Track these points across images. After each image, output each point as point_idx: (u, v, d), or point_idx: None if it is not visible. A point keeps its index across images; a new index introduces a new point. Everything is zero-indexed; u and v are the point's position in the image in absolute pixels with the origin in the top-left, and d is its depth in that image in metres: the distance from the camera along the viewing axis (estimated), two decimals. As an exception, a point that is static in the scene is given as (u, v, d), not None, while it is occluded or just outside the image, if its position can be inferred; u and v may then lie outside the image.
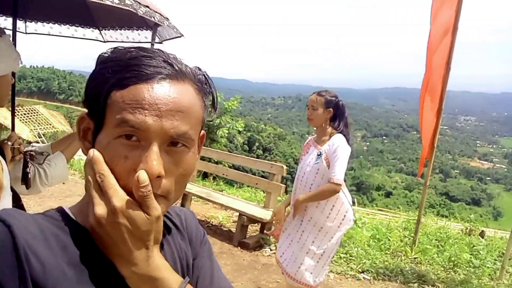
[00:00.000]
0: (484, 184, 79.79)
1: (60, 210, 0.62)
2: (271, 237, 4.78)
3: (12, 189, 1.56)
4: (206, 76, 0.65)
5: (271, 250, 4.49)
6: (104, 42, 2.84)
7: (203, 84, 0.64)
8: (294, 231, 2.83)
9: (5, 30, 1.51)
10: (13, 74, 1.61)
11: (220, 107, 16.39)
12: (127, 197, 0.55)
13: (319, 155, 2.73)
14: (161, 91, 0.57)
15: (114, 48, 0.62)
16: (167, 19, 1.97)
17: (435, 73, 4.51)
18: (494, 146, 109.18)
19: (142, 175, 0.54)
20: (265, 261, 4.23)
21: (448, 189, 69.63)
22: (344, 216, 2.73)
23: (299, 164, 2.94)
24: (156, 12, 1.76)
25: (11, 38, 1.52)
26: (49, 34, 2.72)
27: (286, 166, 4.99)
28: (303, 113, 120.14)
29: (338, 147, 2.65)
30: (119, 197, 0.55)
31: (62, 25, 2.70)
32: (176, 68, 0.60)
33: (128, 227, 0.55)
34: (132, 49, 0.60)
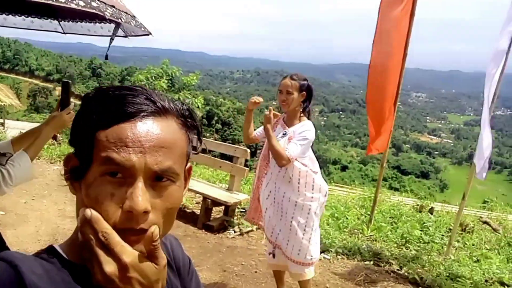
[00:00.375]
0: (432, 158, 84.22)
1: (51, 250, 0.62)
2: (235, 219, 4.86)
3: None
4: (190, 110, 0.67)
5: (235, 232, 4.57)
6: (64, 33, 2.68)
7: (186, 118, 0.66)
8: (278, 213, 2.90)
9: None
10: None
11: (178, 83, 16.06)
12: (135, 252, 0.56)
13: (284, 134, 2.83)
14: (144, 128, 0.59)
15: (97, 88, 0.64)
16: (134, 17, 1.91)
17: (395, 51, 4.61)
18: (443, 122, 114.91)
19: (155, 230, 0.56)
20: (229, 243, 4.31)
21: (400, 163, 72.86)
22: (313, 186, 2.82)
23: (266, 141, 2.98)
24: (122, 11, 1.69)
25: None
26: (3, 26, 2.53)
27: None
28: (262, 87, 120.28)
29: (306, 131, 2.77)
30: (129, 253, 0.55)
31: (17, 16, 2.52)
32: (159, 105, 0.62)
33: (140, 279, 0.56)
34: (115, 88, 0.62)
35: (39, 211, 4.61)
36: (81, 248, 0.61)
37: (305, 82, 2.81)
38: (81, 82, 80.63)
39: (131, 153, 0.57)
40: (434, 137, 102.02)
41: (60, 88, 1.86)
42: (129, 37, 2.31)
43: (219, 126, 59.52)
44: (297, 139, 2.75)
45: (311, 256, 2.88)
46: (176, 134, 0.62)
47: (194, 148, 0.68)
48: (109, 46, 2.13)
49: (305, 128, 2.79)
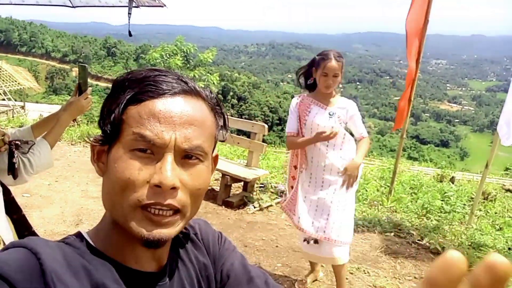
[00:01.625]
0: (452, 126, 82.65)
1: (79, 235, 0.63)
2: (254, 194, 4.90)
3: (0, 183, 1.53)
4: (217, 99, 0.67)
5: (254, 207, 4.61)
6: (74, 7, 2.66)
7: (214, 105, 0.66)
8: (322, 194, 2.76)
9: None
10: None
11: (194, 59, 15.95)
12: None
13: (332, 115, 2.70)
14: (175, 105, 0.59)
15: (128, 71, 0.64)
16: None
17: (415, 19, 4.46)
18: (463, 88, 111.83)
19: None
20: (249, 219, 4.37)
21: (419, 132, 71.82)
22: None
23: (305, 125, 2.78)
24: None
25: None
26: (11, 4, 2.53)
27: (262, 114, 5.01)
28: (277, 61, 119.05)
29: (356, 109, 2.78)
30: None
31: None
32: (190, 85, 0.62)
33: None
34: (146, 70, 0.62)
35: (63, 193, 4.73)
36: (106, 237, 0.63)
37: (343, 59, 2.69)
38: (96, 62, 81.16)
39: (163, 130, 0.57)
40: (455, 105, 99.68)
41: (77, 69, 1.86)
42: (141, 7, 2.27)
43: (234, 101, 59.41)
44: (359, 119, 2.78)
45: (352, 236, 2.81)
46: (206, 114, 0.63)
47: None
48: (129, 21, 2.11)
49: (354, 106, 2.78)
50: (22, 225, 1.58)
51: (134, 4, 2.38)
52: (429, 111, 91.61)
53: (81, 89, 1.77)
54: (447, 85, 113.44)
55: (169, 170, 0.56)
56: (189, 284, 0.70)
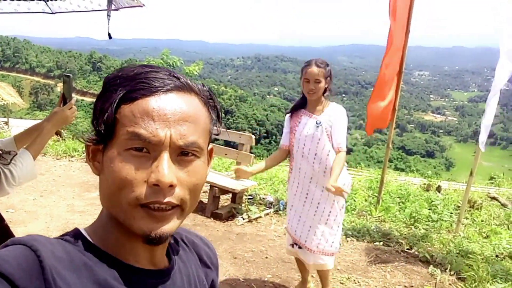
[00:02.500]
0: (437, 137, 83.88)
1: (77, 233, 0.62)
2: (243, 206, 4.88)
3: None
4: (210, 92, 0.67)
5: (243, 219, 4.59)
6: (53, 13, 2.63)
7: (207, 99, 0.65)
8: (306, 205, 2.82)
9: None
10: None
11: (180, 73, 15.95)
12: None
13: (319, 123, 2.73)
14: (169, 102, 0.58)
15: (119, 69, 0.63)
16: None
17: (396, 31, 4.55)
18: (446, 99, 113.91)
19: None
20: (238, 230, 4.33)
21: (405, 143, 72.70)
22: (347, 182, 2.82)
23: (294, 135, 2.84)
24: None
25: None
26: None
27: (249, 127, 5.02)
28: (263, 74, 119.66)
29: (341, 117, 2.75)
30: None
31: (2, 0, 2.48)
32: (182, 80, 0.62)
33: None
34: (137, 67, 0.62)
35: (48, 207, 4.64)
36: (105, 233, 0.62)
37: (329, 67, 2.72)
38: (82, 77, 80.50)
39: (157, 128, 0.57)
40: (439, 115, 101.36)
41: (61, 84, 1.84)
42: (120, 9, 2.26)
43: (221, 114, 59.37)
44: (340, 129, 2.71)
45: (337, 246, 2.87)
46: (200, 109, 0.62)
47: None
48: (108, 23, 2.10)
49: (340, 113, 2.75)
50: (4, 235, 1.54)
51: (113, 7, 2.37)
52: (414, 122, 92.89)
53: (65, 99, 1.75)
54: (431, 96, 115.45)
55: (166, 169, 0.56)
56: (188, 284, 0.70)
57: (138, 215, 0.57)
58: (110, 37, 2.36)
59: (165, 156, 0.57)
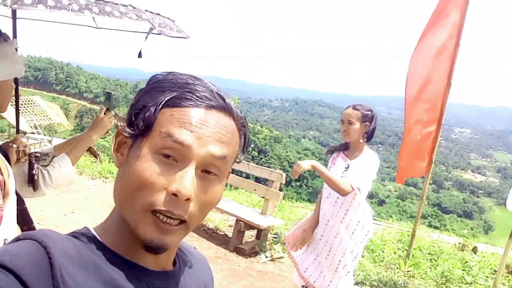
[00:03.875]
0: (476, 197, 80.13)
1: (87, 231, 0.62)
2: (267, 243, 4.79)
3: (16, 193, 1.55)
4: (245, 120, 0.68)
5: (266, 257, 4.50)
6: (97, 28, 2.80)
7: (241, 125, 0.66)
8: (320, 246, 2.82)
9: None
10: (16, 79, 1.62)
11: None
12: None
13: (347, 168, 2.72)
14: (209, 118, 0.59)
15: (170, 72, 0.65)
16: (173, 21, 1.98)
17: (433, 83, 4.52)
18: (488, 159, 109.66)
19: None
20: (260, 268, 4.24)
21: (441, 200, 69.89)
22: (367, 232, 2.77)
23: None
24: (165, 17, 1.77)
25: (16, 42, 1.51)
26: (39, 20, 2.66)
27: (281, 169, 5.01)
28: (299, 117, 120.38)
29: (371, 164, 2.69)
30: None
31: (56, 9, 2.67)
32: (227, 101, 0.63)
33: None
34: (188, 76, 0.63)
35: (77, 223, 4.72)
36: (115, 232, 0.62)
37: (368, 112, 2.72)
38: (125, 105, 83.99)
39: (191, 135, 0.57)
40: (479, 175, 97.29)
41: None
42: (162, 34, 2.37)
43: (255, 153, 59.87)
44: (363, 173, 2.65)
45: None
46: (234, 134, 0.63)
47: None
48: (145, 41, 2.20)
49: (370, 158, 2.71)
50: (23, 218, 1.58)
51: (156, 32, 2.49)
52: (451, 179, 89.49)
53: (106, 110, 1.85)
54: (471, 154, 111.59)
55: (189, 181, 0.56)
56: None
57: (145, 220, 0.57)
58: (140, 55, 2.46)
59: (191, 169, 0.57)
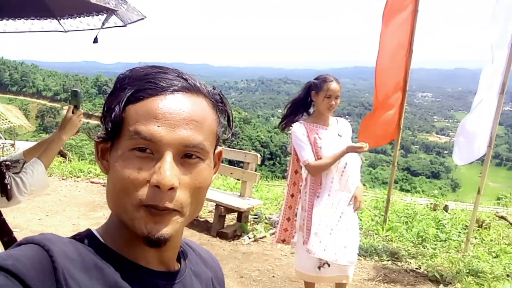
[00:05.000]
0: (442, 158, 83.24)
1: (89, 233, 0.62)
2: (248, 225, 4.85)
3: None
4: (221, 95, 0.66)
5: (249, 238, 4.56)
6: (66, 32, 2.70)
7: (217, 102, 0.65)
8: (337, 219, 2.71)
9: None
10: None
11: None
12: None
13: (340, 135, 2.83)
14: (174, 102, 0.58)
15: (131, 68, 0.63)
16: (125, 2, 1.93)
17: (396, 52, 4.62)
18: (450, 120, 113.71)
19: None
20: (244, 249, 4.30)
21: (409, 164, 72.30)
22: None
23: (320, 149, 2.73)
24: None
25: None
26: (5, 32, 2.57)
27: (253, 149, 5.04)
28: (266, 96, 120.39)
29: (350, 131, 2.91)
30: None
31: (17, 19, 2.54)
32: (190, 82, 0.61)
33: None
34: (147, 67, 0.62)
35: (54, 227, 4.64)
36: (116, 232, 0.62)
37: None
38: (87, 100, 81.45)
39: (159, 126, 0.56)
40: (443, 136, 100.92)
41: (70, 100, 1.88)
42: (127, 25, 2.31)
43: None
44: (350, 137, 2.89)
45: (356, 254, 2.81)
46: (206, 111, 0.61)
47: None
48: (101, 28, 2.15)
49: (349, 127, 2.93)
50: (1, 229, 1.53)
51: (121, 24, 2.41)
52: (418, 143, 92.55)
53: (74, 109, 1.79)
54: (434, 117, 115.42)
55: (167, 170, 0.55)
56: None
57: (140, 216, 0.56)
58: (96, 41, 2.38)
59: (168, 157, 0.56)
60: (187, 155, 0.58)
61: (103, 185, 6.65)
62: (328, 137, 2.77)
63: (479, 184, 4.46)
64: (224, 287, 0.81)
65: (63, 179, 6.97)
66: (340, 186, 2.75)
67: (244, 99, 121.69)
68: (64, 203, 5.53)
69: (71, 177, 7.09)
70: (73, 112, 1.77)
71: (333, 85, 2.72)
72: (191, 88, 0.61)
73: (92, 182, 6.84)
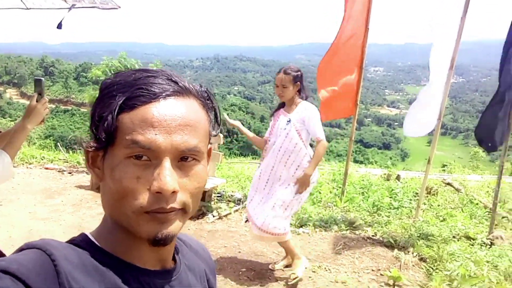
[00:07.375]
0: (392, 129, 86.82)
1: (85, 237, 0.63)
2: (212, 204, 4.91)
3: None
4: (208, 92, 0.67)
5: (214, 216, 4.62)
6: (27, 9, 2.57)
7: (206, 100, 0.65)
8: (266, 191, 3.25)
9: None
10: None
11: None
12: None
13: (288, 121, 3.13)
14: (168, 108, 0.58)
15: (117, 72, 0.63)
16: None
17: (354, 28, 4.75)
18: (400, 93, 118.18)
19: None
20: (210, 228, 4.37)
21: (363, 137, 74.78)
22: (313, 177, 3.21)
23: (273, 131, 3.28)
24: None
25: None
26: None
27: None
28: (222, 74, 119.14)
29: (309, 111, 3.10)
30: None
31: None
32: (181, 85, 0.61)
33: None
34: (135, 71, 0.61)
35: (9, 216, 4.46)
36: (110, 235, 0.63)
37: (298, 73, 3.13)
38: (32, 82, 76.90)
39: (156, 134, 0.56)
40: (393, 109, 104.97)
41: (12, 90, 1.81)
42: (95, 7, 2.25)
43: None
44: (313, 122, 3.09)
45: (285, 229, 3.21)
46: (199, 113, 0.62)
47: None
48: (67, 13, 2.08)
49: (310, 110, 3.11)
50: None
51: (90, 5, 2.33)
52: (370, 116, 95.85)
53: (37, 100, 1.73)
54: (386, 90, 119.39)
55: (167, 176, 0.56)
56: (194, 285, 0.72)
57: (143, 221, 0.57)
58: (60, 26, 2.29)
59: (167, 163, 0.57)
60: (183, 158, 0.59)
61: (58, 171, 6.44)
62: (280, 123, 3.20)
63: (429, 154, 4.74)
64: (215, 275, 0.84)
65: (14, 167, 6.65)
66: (271, 165, 3.22)
67: (199, 78, 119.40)
68: (18, 191, 5.31)
69: (23, 164, 6.80)
70: (37, 101, 1.71)
71: (278, 76, 3.12)
72: (182, 91, 0.61)
73: (46, 168, 6.60)
